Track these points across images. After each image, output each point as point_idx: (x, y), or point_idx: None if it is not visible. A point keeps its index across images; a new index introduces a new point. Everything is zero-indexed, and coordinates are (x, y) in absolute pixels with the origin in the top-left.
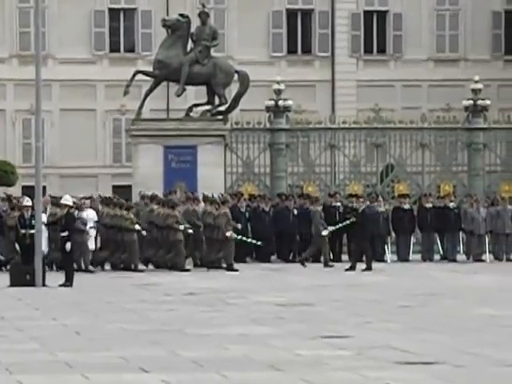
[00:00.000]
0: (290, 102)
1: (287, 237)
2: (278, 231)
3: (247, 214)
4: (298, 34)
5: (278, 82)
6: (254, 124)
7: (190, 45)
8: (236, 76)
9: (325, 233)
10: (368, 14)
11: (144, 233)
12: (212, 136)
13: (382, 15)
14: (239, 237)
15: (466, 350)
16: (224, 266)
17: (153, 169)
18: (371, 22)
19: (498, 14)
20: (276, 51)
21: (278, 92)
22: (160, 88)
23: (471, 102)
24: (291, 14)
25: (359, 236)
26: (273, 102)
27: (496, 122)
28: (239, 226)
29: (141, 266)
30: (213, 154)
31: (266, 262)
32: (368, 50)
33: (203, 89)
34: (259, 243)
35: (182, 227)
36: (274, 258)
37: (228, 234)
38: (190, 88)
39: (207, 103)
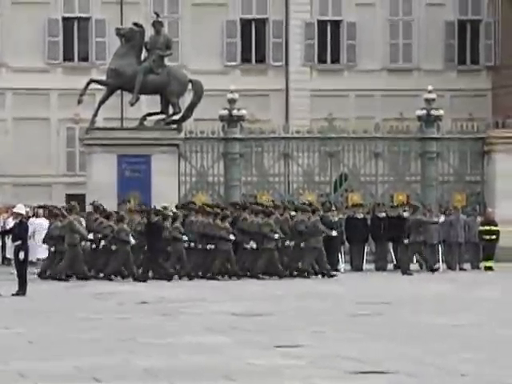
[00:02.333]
0: (243, 112)
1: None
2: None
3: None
4: (252, 44)
5: (231, 92)
6: (208, 133)
7: (143, 54)
8: (190, 85)
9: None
10: (322, 24)
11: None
12: (166, 145)
13: (336, 25)
14: None
15: (420, 360)
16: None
17: (106, 178)
18: (325, 32)
19: (451, 24)
20: (230, 60)
21: (232, 101)
22: (114, 97)
23: (424, 111)
24: (245, 24)
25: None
26: (227, 112)
27: (449, 131)
28: (334, 233)
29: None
30: (166, 163)
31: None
32: (322, 59)
33: (157, 98)
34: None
35: (276, 236)
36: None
37: (318, 241)
38: (143, 97)
39: (161, 112)
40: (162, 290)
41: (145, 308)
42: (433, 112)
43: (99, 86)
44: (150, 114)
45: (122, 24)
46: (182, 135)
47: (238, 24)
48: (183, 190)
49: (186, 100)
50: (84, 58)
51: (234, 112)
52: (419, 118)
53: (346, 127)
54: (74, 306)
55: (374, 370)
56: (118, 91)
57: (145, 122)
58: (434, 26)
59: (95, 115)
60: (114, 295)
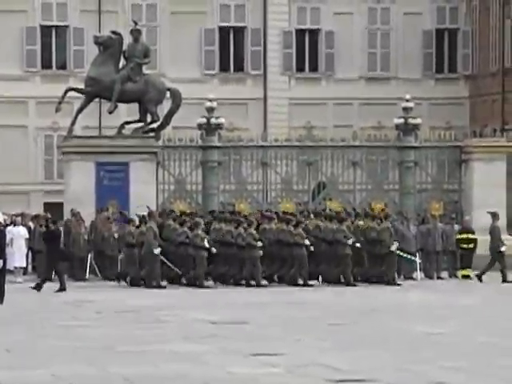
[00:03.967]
0: (222, 120)
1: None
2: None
3: None
4: (231, 52)
5: (210, 100)
6: (186, 141)
7: (122, 62)
8: (168, 93)
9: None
10: (300, 32)
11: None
12: (144, 153)
13: (314, 33)
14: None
15: (399, 367)
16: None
17: (85, 186)
18: (303, 40)
19: (428, 33)
20: (208, 69)
21: (210, 110)
22: (92, 105)
23: (402, 120)
24: (223, 32)
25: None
26: (205, 120)
27: (427, 140)
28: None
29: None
30: (145, 171)
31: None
32: (300, 68)
33: (135, 106)
34: (415, 258)
35: (350, 241)
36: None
37: (393, 248)
38: (122, 105)
39: (139, 120)
40: (140, 298)
41: (124, 316)
42: (410, 121)
43: (77, 94)
44: (128, 122)
45: (100, 32)
46: (161, 143)
47: (216, 32)
48: (161, 198)
49: (165, 108)
50: (62, 66)
51: (213, 120)
52: (397, 126)
53: (324, 136)
54: (52, 315)
55: (353, 378)
56: (97, 99)
57: (123, 130)
58: (412, 35)
59: (73, 123)
60: (93, 303)
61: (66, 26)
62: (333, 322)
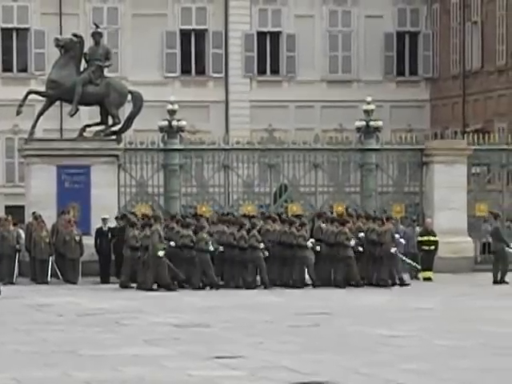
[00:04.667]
0: (183, 123)
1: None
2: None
3: None
4: (192, 55)
5: (171, 103)
6: (148, 144)
7: (83, 65)
8: (129, 96)
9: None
10: (261, 35)
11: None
12: (105, 156)
13: (275, 36)
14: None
15: (358, 370)
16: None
17: (46, 189)
18: (264, 43)
19: (390, 35)
20: (170, 71)
21: (172, 112)
22: (53, 108)
23: (364, 122)
24: (185, 35)
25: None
26: (166, 123)
27: (388, 142)
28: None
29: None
30: (106, 174)
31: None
32: (261, 70)
33: (97, 109)
34: (415, 264)
35: (352, 243)
36: None
37: (393, 250)
38: (83, 108)
39: (100, 123)
40: (101, 301)
41: (85, 320)
42: (372, 123)
43: (38, 97)
44: (89, 125)
45: (61, 35)
46: (122, 146)
47: (177, 35)
48: (123, 201)
49: (126, 111)
50: (23, 68)
51: (174, 123)
52: (358, 129)
53: (286, 138)
54: (13, 318)
55: (314, 380)
56: (58, 102)
57: (84, 133)
58: (373, 38)
59: (34, 126)
60: (54, 307)
61: (27, 29)
62: (294, 324)
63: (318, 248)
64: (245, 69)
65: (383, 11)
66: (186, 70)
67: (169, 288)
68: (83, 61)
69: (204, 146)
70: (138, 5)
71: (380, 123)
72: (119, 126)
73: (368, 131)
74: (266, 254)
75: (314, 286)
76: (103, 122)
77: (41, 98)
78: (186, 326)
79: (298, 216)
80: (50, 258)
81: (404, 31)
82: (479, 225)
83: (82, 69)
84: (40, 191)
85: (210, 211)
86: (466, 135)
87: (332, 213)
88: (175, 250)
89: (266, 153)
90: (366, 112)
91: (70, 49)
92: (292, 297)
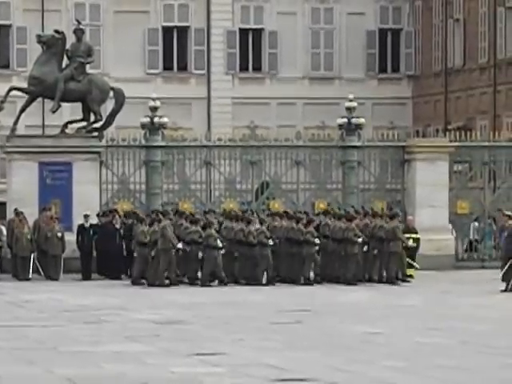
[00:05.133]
0: (165, 119)
1: None
2: None
3: (122, 231)
4: (174, 51)
5: (153, 99)
6: (130, 141)
7: (65, 61)
8: (111, 93)
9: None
10: (243, 32)
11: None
12: (87, 153)
13: (258, 33)
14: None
15: (340, 367)
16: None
17: (27, 185)
18: (247, 40)
19: (372, 32)
20: (152, 68)
21: (154, 109)
22: (35, 104)
23: (345, 120)
24: (167, 31)
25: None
26: (148, 119)
27: (370, 140)
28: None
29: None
30: (88, 171)
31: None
32: (243, 67)
33: (79, 105)
34: (415, 264)
35: (360, 240)
36: None
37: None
38: (65, 104)
39: (82, 120)
40: (83, 298)
41: (67, 316)
42: (354, 120)
43: (20, 93)
44: (71, 122)
45: (43, 31)
46: (104, 143)
47: (159, 32)
48: (105, 198)
49: (108, 107)
50: (5, 65)
51: (156, 120)
52: (340, 126)
53: (268, 135)
54: None
55: (295, 377)
56: (40, 98)
57: (66, 130)
58: (355, 35)
59: (16, 122)
60: (36, 303)
61: (9, 25)
62: (275, 321)
63: (317, 240)
64: (227, 66)
65: (365, 8)
66: (168, 67)
67: (176, 283)
68: (65, 57)
69: (186, 143)
70: (120, 1)
71: (362, 120)
72: (101, 123)
73: (350, 128)
74: (272, 242)
75: (318, 282)
76: (85, 118)
77: (23, 94)
78: (167, 322)
79: (305, 213)
80: (32, 255)
81: (386, 28)
82: (463, 223)
83: (64, 65)
84: (22, 188)
85: (192, 208)
86: (447, 133)
87: (314, 210)
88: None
89: (247, 150)
90: (348, 109)
91: (51, 45)
92: (275, 294)
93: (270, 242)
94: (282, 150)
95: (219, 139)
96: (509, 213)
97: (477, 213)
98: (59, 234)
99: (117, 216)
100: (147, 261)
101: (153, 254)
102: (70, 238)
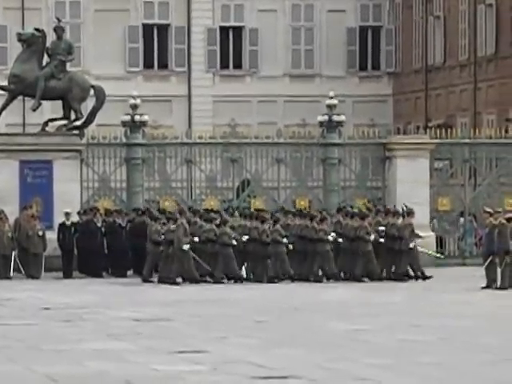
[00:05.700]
0: (146, 117)
1: (143, 252)
2: (134, 246)
3: (103, 229)
4: (155, 49)
5: (134, 97)
6: (111, 139)
7: (45, 59)
8: (92, 91)
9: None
10: (224, 30)
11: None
12: (68, 151)
13: (238, 31)
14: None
15: (322, 365)
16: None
17: (8, 184)
18: (227, 38)
19: (352, 30)
20: (132, 66)
21: (135, 107)
22: (16, 102)
23: (326, 117)
24: (147, 29)
25: None
26: (129, 117)
27: (351, 137)
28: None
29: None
30: (69, 169)
31: (122, 276)
32: (224, 65)
33: (59, 103)
34: (439, 255)
35: (372, 237)
36: (130, 273)
37: (411, 244)
38: (45, 102)
39: (63, 118)
40: (64, 296)
41: (47, 314)
42: (334, 118)
43: (0, 92)
44: (52, 120)
45: (23, 29)
46: (85, 141)
47: (140, 29)
48: (86, 196)
49: (89, 105)
50: None
51: (137, 117)
52: (321, 123)
53: (249, 133)
54: None
55: (278, 375)
56: (20, 96)
57: (47, 128)
58: (336, 32)
59: None
60: (17, 301)
61: None
62: (258, 319)
63: (340, 240)
64: (207, 63)
65: (346, 6)
66: (148, 65)
67: (194, 281)
68: (45, 55)
69: (167, 141)
70: None
71: (343, 118)
72: (82, 121)
73: (331, 126)
74: (291, 247)
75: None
76: (66, 116)
77: (3, 92)
78: (149, 320)
79: (319, 211)
80: (13, 253)
81: (367, 26)
82: (450, 220)
83: (44, 63)
84: (2, 186)
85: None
86: (428, 130)
87: (295, 207)
88: (199, 245)
89: (228, 147)
90: (329, 107)
91: (32, 43)
92: (259, 291)
93: (285, 240)
94: (263, 148)
95: (200, 137)
96: (489, 209)
97: (458, 210)
98: (40, 233)
99: (98, 214)
100: (160, 259)
101: (169, 251)
102: (51, 236)
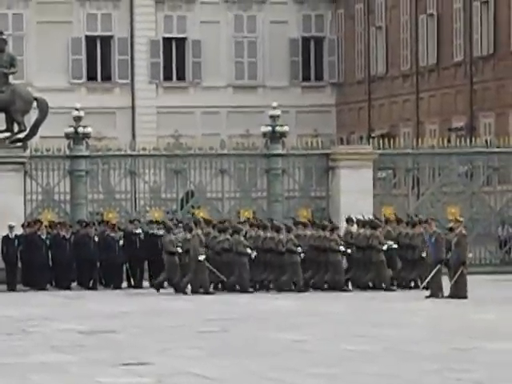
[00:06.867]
0: (89, 129)
1: (88, 264)
2: (79, 258)
3: (47, 242)
4: (98, 61)
5: (77, 109)
6: (54, 151)
7: None
8: (35, 103)
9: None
10: (167, 41)
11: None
12: (11, 163)
13: (181, 42)
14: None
15: (266, 375)
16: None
17: None
18: (170, 49)
19: (295, 41)
20: (76, 78)
21: (78, 119)
22: None
23: (269, 128)
24: (90, 41)
25: None
26: (72, 129)
27: (294, 148)
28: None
29: None
30: (12, 182)
31: (66, 289)
32: (167, 76)
33: (2, 116)
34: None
35: (385, 247)
36: (74, 285)
37: (424, 254)
38: None
39: (6, 130)
40: (7, 309)
41: None
42: (278, 128)
43: None
44: None
45: None
46: (28, 153)
47: (83, 41)
48: (29, 208)
49: (32, 118)
50: None
51: (80, 129)
52: (264, 134)
53: (192, 144)
54: None
55: None
56: None
57: None
58: (279, 43)
59: None
60: None
61: None
62: (202, 330)
63: (349, 251)
64: (151, 75)
65: (288, 17)
66: (91, 77)
67: (207, 292)
68: None
69: (110, 153)
70: (43, 11)
71: (286, 128)
72: (25, 133)
73: (274, 136)
74: (302, 256)
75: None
76: (9, 129)
77: None
78: (93, 332)
79: (330, 221)
80: None
81: (309, 36)
82: None
83: None
84: None
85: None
86: (371, 140)
87: (239, 218)
88: (213, 256)
89: (172, 159)
90: (272, 117)
91: None
92: (202, 302)
93: (299, 250)
94: (207, 159)
95: (143, 148)
96: (433, 218)
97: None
98: None
99: (42, 226)
100: (176, 269)
101: (186, 260)
102: None
